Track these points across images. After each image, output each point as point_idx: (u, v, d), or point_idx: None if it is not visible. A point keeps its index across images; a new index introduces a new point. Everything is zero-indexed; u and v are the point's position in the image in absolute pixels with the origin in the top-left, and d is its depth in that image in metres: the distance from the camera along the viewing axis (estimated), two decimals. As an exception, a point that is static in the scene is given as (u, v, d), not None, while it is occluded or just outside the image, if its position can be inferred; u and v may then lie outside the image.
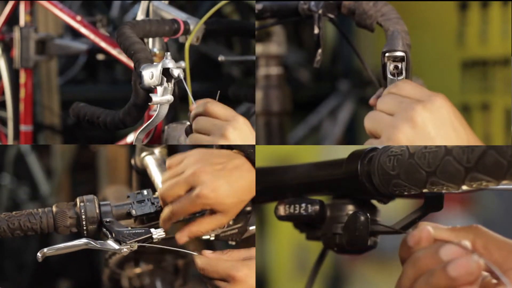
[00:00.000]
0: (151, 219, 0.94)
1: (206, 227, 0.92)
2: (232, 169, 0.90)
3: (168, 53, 0.97)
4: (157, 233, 0.90)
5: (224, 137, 0.91)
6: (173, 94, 0.99)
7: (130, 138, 1.40)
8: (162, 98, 0.97)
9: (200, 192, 0.88)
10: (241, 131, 0.93)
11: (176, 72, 0.95)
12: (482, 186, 0.67)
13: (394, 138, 0.75)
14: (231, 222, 0.96)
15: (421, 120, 0.75)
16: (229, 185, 0.89)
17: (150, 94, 0.96)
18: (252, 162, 0.91)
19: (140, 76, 0.97)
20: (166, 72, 0.96)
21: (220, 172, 0.89)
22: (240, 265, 0.88)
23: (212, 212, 0.91)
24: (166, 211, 0.91)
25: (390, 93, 0.80)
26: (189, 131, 0.97)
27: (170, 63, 0.96)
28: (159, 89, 0.96)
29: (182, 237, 0.92)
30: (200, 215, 0.93)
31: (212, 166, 0.90)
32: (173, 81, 0.97)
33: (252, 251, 0.90)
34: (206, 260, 0.89)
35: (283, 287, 2.30)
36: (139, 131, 1.03)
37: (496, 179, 0.65)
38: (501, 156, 0.64)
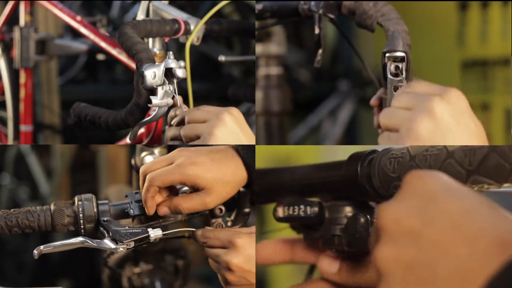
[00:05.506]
0: (149, 218, 0.94)
1: (188, 203, 0.89)
2: (216, 151, 0.90)
3: (171, 52, 0.97)
4: (154, 233, 0.89)
5: (221, 120, 0.90)
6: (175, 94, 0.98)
7: (130, 138, 1.39)
8: (162, 101, 0.96)
9: (180, 161, 0.88)
10: (237, 118, 0.92)
11: (180, 72, 0.95)
12: (483, 189, 0.67)
13: (414, 130, 0.74)
14: (229, 223, 0.95)
15: (440, 110, 0.74)
16: (211, 160, 0.88)
17: (151, 97, 0.96)
18: (243, 159, 0.90)
19: (142, 76, 0.96)
20: (168, 72, 0.95)
21: (203, 151, 0.90)
22: (242, 234, 0.87)
23: (195, 189, 0.89)
24: (146, 182, 0.89)
25: (405, 92, 0.80)
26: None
27: (172, 63, 0.95)
28: (160, 91, 0.96)
29: (162, 207, 0.90)
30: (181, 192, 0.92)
31: (198, 150, 0.90)
32: (175, 81, 0.96)
33: (253, 229, 0.90)
34: (209, 229, 0.90)
35: (283, 287, 2.30)
36: (134, 127, 1.02)
37: (498, 182, 0.65)
38: (504, 159, 0.63)
